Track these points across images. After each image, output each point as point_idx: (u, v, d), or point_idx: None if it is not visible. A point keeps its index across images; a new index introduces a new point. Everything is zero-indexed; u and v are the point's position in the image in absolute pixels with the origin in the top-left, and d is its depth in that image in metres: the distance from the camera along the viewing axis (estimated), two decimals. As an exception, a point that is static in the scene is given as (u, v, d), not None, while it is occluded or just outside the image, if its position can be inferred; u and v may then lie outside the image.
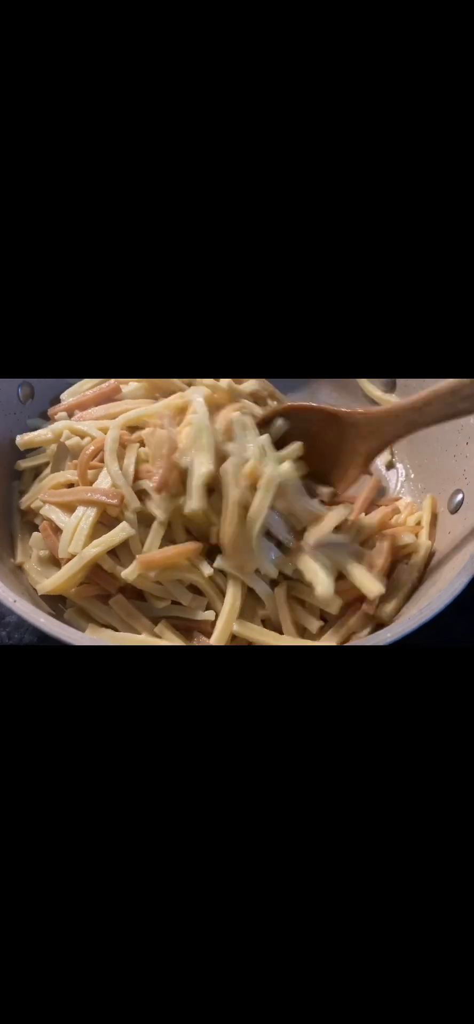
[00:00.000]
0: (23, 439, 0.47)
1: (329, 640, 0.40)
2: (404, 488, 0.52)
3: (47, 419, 0.50)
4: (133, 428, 0.45)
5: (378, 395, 0.55)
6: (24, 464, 0.48)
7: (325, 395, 0.57)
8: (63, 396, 0.51)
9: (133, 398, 0.49)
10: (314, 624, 0.40)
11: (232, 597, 0.39)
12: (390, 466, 0.53)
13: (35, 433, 0.47)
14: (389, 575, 0.43)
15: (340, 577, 0.40)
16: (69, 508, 0.42)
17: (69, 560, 0.40)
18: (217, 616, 0.40)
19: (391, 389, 0.55)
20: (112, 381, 0.49)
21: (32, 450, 0.48)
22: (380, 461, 0.53)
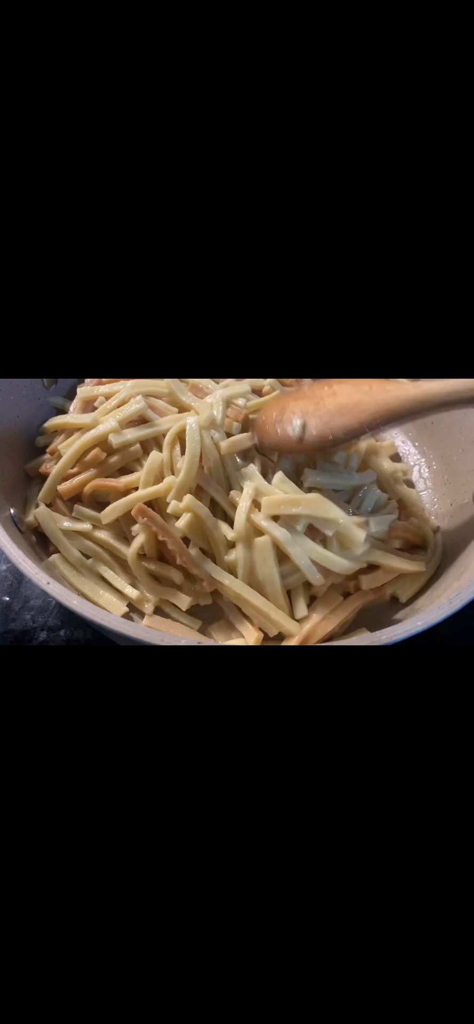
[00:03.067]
0: (54, 422, 0.48)
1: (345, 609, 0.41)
2: (428, 480, 0.52)
3: (70, 400, 0.50)
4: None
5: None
6: (43, 440, 0.49)
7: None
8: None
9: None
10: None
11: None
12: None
13: (70, 416, 0.47)
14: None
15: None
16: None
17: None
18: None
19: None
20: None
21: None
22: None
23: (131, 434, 0.43)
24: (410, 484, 0.52)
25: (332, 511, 0.40)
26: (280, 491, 0.41)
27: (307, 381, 0.48)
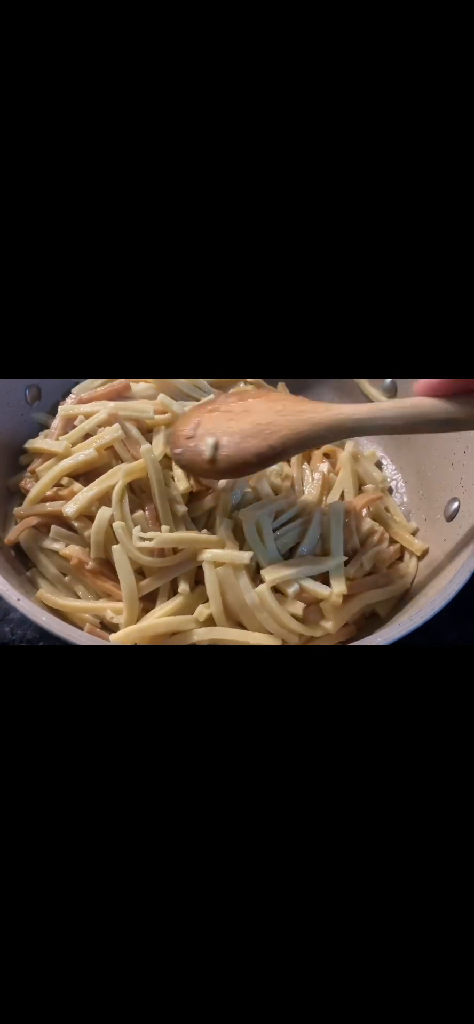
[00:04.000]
0: (33, 444, 0.49)
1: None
2: (404, 495, 0.53)
3: (53, 416, 0.51)
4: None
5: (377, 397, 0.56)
6: (26, 459, 0.50)
7: (327, 398, 0.58)
8: (74, 391, 0.52)
9: (142, 397, 0.50)
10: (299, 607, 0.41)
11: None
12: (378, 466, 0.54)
13: (43, 442, 0.48)
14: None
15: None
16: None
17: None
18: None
19: (392, 394, 0.56)
20: (122, 379, 0.50)
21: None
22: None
23: (83, 496, 0.44)
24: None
25: (327, 564, 0.41)
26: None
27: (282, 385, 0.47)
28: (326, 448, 0.52)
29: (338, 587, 0.41)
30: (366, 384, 0.57)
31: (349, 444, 0.51)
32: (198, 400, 0.51)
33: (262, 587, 0.40)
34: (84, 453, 0.45)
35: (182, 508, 0.44)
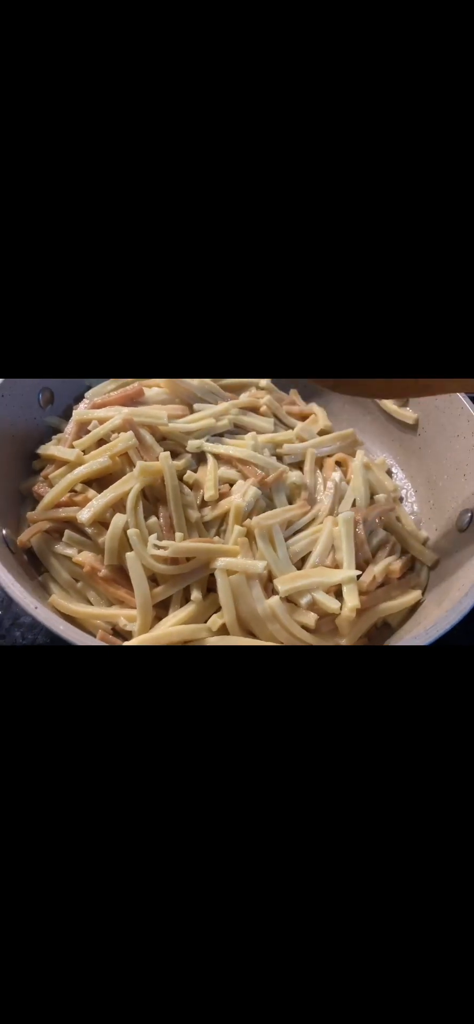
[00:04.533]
0: (45, 450, 0.49)
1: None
2: (414, 504, 0.53)
3: (66, 420, 0.51)
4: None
5: (392, 408, 0.56)
6: (39, 463, 0.50)
7: (338, 403, 0.58)
8: (87, 396, 0.52)
9: (155, 402, 0.50)
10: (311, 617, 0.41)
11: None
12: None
13: (56, 448, 0.48)
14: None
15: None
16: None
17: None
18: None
19: (404, 404, 0.56)
20: (135, 384, 0.50)
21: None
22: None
23: (98, 502, 0.44)
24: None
25: (339, 576, 0.42)
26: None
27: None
28: (338, 456, 0.52)
29: (351, 601, 0.41)
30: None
31: (360, 453, 0.51)
32: (210, 403, 0.51)
33: (274, 599, 0.40)
34: (98, 461, 0.45)
35: (196, 514, 0.44)
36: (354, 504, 0.48)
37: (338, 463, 0.52)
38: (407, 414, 0.55)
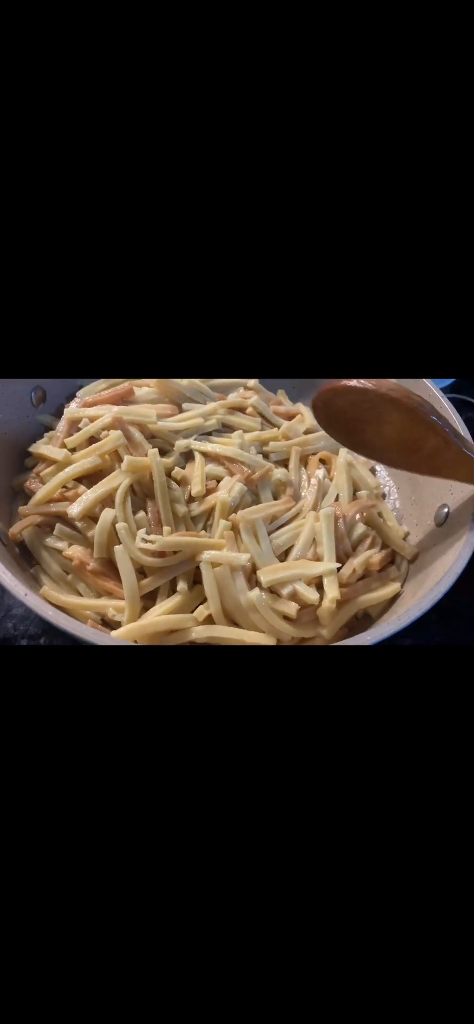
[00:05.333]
0: (37, 448, 0.50)
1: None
2: (396, 500, 0.54)
3: (58, 419, 0.53)
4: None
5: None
6: (31, 461, 0.51)
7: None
8: (79, 394, 0.54)
9: (145, 401, 0.52)
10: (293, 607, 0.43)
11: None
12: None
13: (47, 448, 0.50)
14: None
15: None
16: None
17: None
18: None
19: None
20: (126, 383, 0.52)
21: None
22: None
23: (88, 498, 0.45)
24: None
25: (319, 568, 0.43)
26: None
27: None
28: (322, 454, 0.53)
29: (332, 592, 0.42)
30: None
31: (343, 451, 0.53)
32: (199, 403, 0.53)
33: (254, 592, 0.42)
34: (89, 460, 0.46)
35: (183, 509, 0.46)
36: (337, 499, 0.50)
37: (322, 460, 0.53)
38: None
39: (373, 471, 0.57)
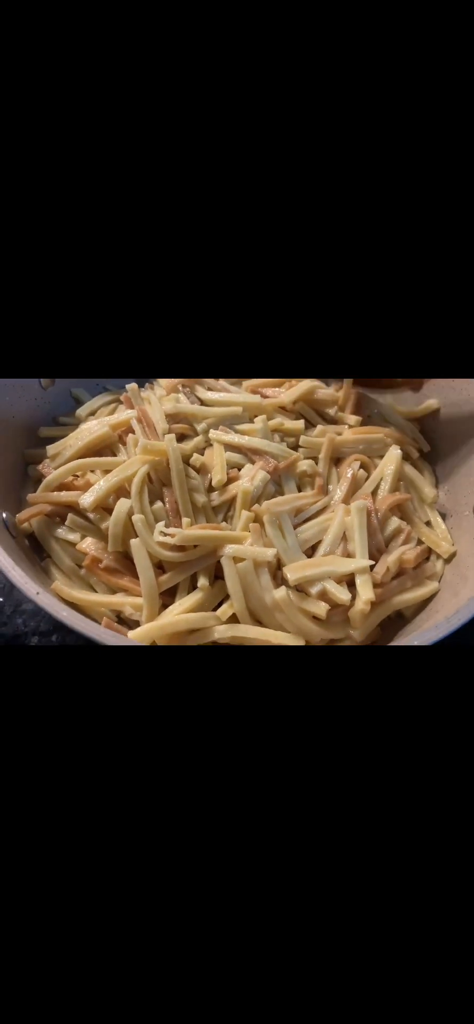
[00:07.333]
0: (47, 431, 0.48)
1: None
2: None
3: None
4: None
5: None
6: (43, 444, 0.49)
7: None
8: (78, 412, 0.51)
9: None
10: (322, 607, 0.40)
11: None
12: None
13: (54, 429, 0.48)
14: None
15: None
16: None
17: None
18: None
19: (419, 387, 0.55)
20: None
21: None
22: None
23: (101, 486, 0.42)
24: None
25: (351, 565, 0.40)
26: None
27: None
28: (358, 456, 0.49)
29: (366, 594, 0.39)
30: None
31: (394, 448, 0.48)
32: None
33: (281, 590, 0.39)
34: (98, 423, 0.45)
35: (202, 498, 0.43)
36: (375, 492, 0.46)
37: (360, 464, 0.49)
38: (431, 404, 0.53)
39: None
